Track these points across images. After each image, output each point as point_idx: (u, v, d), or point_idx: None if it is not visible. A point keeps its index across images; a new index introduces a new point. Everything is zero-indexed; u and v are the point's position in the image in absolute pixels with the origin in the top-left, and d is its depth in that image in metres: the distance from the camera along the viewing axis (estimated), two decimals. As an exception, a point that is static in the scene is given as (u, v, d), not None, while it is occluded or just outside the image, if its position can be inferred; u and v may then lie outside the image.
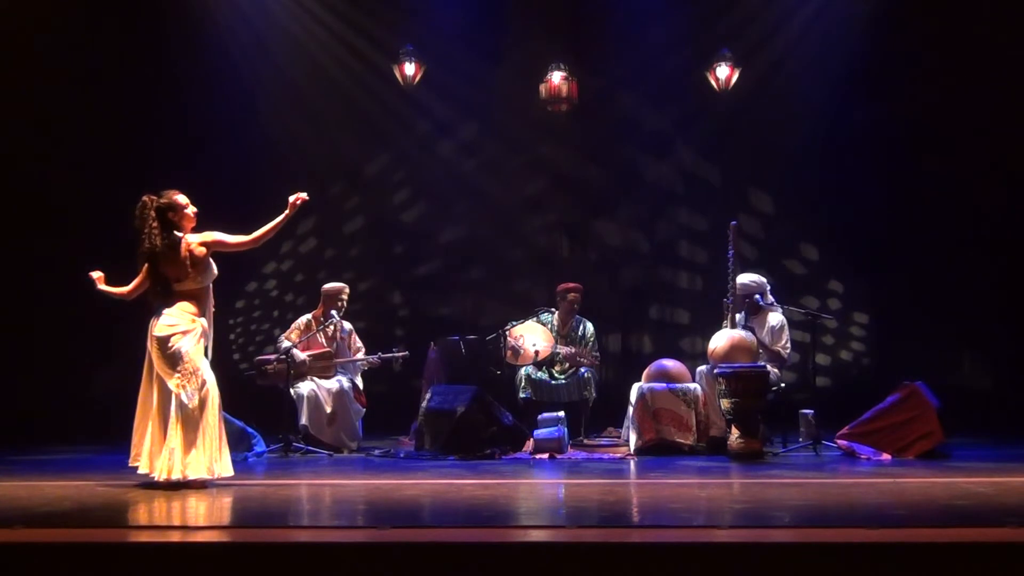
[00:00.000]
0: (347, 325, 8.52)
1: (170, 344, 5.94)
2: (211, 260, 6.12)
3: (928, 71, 9.65)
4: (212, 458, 5.90)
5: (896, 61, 9.80)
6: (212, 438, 5.93)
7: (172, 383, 5.93)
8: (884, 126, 9.87)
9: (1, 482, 6.19)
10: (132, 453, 6.09)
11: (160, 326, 5.98)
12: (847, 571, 3.98)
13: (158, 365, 5.99)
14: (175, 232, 6.05)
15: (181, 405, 5.89)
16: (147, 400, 6.05)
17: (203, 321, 6.08)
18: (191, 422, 5.89)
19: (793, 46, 10.11)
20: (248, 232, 6.22)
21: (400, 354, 8.51)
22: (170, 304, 6.03)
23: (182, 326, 5.98)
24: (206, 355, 6.11)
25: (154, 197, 6.09)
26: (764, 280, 8.08)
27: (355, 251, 10.69)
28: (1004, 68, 9.38)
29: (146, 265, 6.05)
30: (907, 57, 9.73)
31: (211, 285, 6.17)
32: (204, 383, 5.96)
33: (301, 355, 8.11)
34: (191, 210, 6.15)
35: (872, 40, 9.81)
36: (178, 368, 5.93)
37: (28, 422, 8.93)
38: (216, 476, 5.92)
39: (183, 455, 5.83)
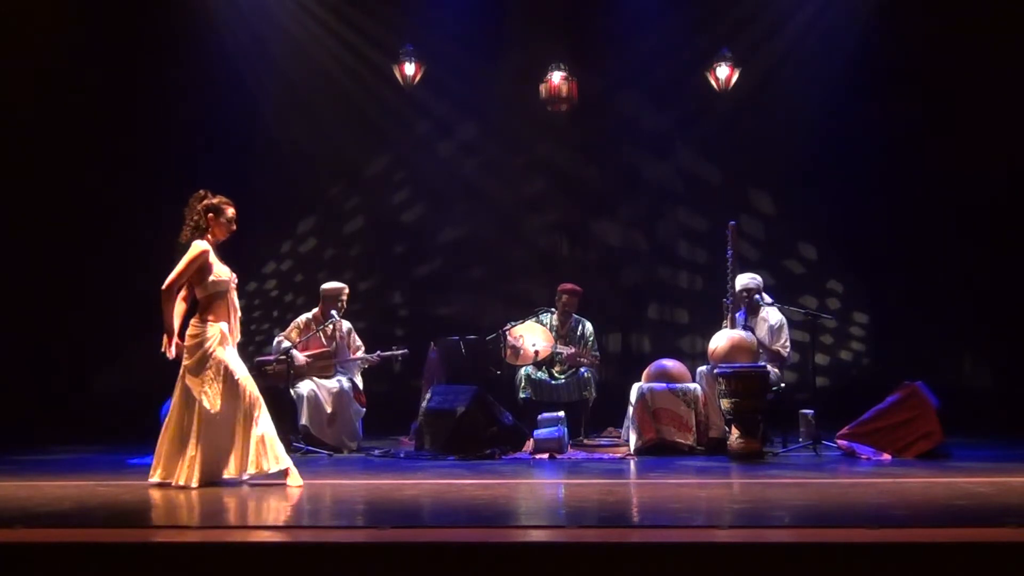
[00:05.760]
0: (346, 324, 8.52)
1: (195, 352, 5.99)
2: (204, 268, 6.04)
3: (928, 71, 9.65)
4: (249, 457, 5.90)
5: (896, 61, 9.80)
6: (245, 437, 5.93)
7: (197, 390, 5.96)
8: (884, 126, 9.87)
9: (1, 482, 6.19)
10: (153, 466, 6.06)
11: (185, 336, 6.05)
12: (847, 571, 3.98)
13: (186, 375, 6.02)
14: (199, 235, 6.08)
15: (203, 411, 5.92)
16: (176, 417, 6.04)
17: (222, 326, 6.07)
18: (213, 427, 5.92)
19: (793, 46, 10.12)
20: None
21: (399, 352, 8.51)
22: (192, 313, 6.09)
23: (202, 334, 6.02)
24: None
25: (210, 193, 6.16)
26: (760, 279, 8.09)
27: (355, 251, 10.69)
28: (1003, 67, 9.37)
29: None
30: (907, 57, 9.73)
31: (225, 291, 6.10)
32: (235, 384, 5.95)
33: (301, 357, 8.12)
34: (229, 217, 6.17)
35: (872, 40, 9.81)
36: (201, 374, 5.97)
37: (28, 422, 8.93)
38: (258, 472, 5.90)
39: (202, 461, 5.87)
